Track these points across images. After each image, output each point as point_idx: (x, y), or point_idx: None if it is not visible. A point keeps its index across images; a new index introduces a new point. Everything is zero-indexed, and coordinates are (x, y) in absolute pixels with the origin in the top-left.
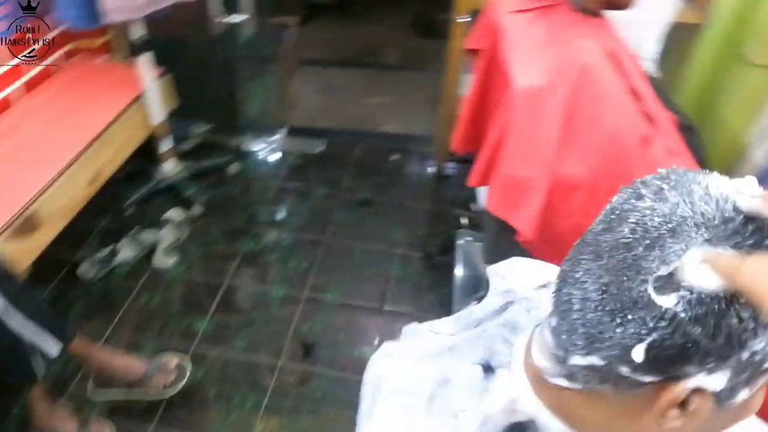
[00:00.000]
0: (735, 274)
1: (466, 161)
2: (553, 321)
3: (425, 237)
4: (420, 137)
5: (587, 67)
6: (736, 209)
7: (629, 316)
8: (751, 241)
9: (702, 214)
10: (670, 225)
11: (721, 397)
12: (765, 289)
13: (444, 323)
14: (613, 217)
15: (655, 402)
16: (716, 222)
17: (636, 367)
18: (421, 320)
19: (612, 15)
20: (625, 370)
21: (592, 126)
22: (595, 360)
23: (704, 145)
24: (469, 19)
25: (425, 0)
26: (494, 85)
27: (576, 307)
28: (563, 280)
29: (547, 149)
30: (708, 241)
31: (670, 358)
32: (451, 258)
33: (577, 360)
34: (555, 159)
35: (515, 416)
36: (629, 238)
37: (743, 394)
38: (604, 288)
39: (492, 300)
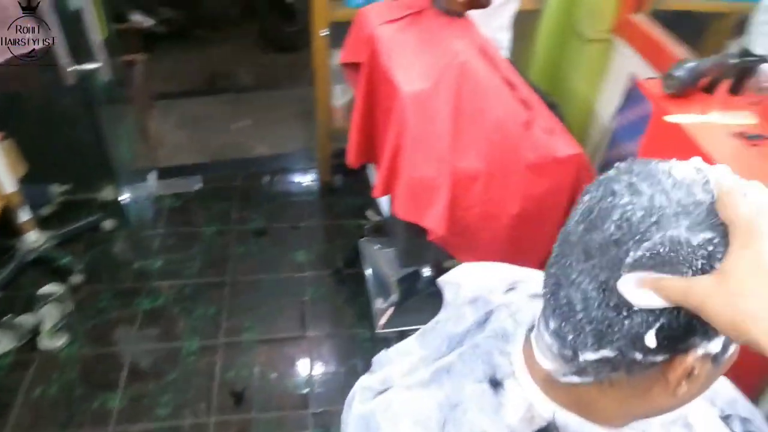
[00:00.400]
0: (686, 296)
1: (351, 171)
2: (552, 324)
3: (328, 253)
4: (296, 154)
5: (465, 66)
6: (704, 191)
7: (635, 308)
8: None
9: (677, 202)
10: (653, 218)
11: (717, 357)
12: (717, 310)
13: (411, 342)
14: (592, 216)
15: (665, 374)
16: (691, 208)
17: (648, 351)
18: (346, 338)
19: (472, 13)
20: (637, 355)
21: (479, 119)
22: (606, 352)
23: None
24: (328, 32)
25: (267, 16)
26: (380, 95)
27: (579, 307)
28: (557, 284)
29: (443, 147)
30: (689, 228)
31: (679, 336)
32: (359, 268)
33: (588, 356)
34: (452, 155)
35: (535, 423)
36: (617, 234)
37: (731, 349)
38: (603, 285)
39: (460, 311)
